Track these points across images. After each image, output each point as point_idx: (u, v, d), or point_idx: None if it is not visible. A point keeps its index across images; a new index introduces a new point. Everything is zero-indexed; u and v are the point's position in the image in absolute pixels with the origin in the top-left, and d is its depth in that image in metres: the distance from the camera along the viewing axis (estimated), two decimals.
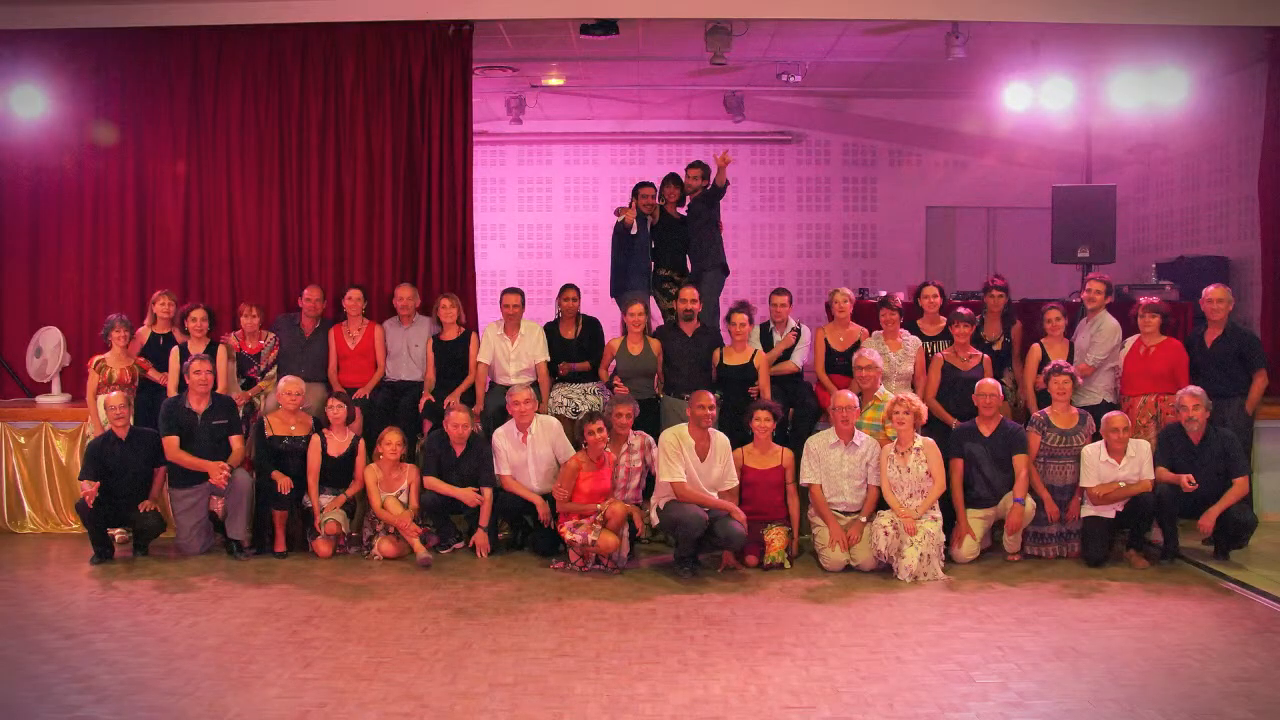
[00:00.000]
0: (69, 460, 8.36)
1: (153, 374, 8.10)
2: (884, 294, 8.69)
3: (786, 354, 8.27)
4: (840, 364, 8.21)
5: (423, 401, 8.13)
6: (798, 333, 8.33)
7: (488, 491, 7.54)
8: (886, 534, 6.97)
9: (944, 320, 8.35)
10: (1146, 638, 5.72)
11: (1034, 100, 10.01)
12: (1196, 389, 7.32)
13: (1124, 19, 8.76)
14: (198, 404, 7.55)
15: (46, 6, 8.66)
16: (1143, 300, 8.12)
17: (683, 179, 9.19)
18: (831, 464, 7.28)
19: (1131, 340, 8.06)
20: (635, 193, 9.11)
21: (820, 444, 7.34)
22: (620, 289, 8.91)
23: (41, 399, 8.83)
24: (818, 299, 12.76)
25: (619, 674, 5.16)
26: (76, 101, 8.98)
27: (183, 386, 7.70)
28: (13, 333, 9.14)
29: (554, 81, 11.83)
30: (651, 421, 7.84)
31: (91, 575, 7.10)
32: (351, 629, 5.87)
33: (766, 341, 8.33)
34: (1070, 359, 7.92)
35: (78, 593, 6.69)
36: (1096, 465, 7.26)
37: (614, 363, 8.19)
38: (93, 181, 9.05)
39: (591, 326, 8.47)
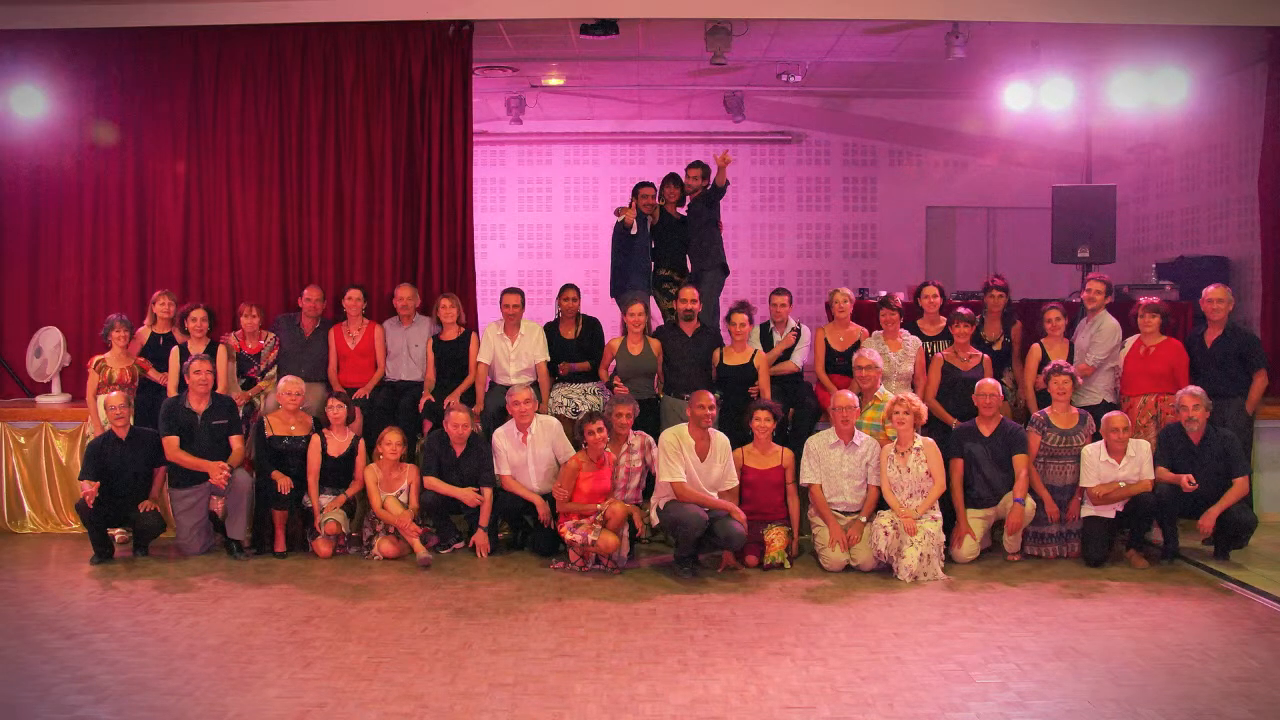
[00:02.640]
0: (69, 460, 8.36)
1: (153, 374, 8.10)
2: (884, 294, 8.69)
3: (786, 354, 8.26)
4: (840, 364, 8.21)
5: (423, 401, 8.13)
6: (798, 333, 8.32)
7: (487, 491, 7.53)
8: (886, 534, 6.97)
9: (944, 320, 8.35)
10: (1146, 638, 5.72)
11: (1034, 100, 10.00)
12: (1196, 389, 7.32)
13: (1124, 19, 8.75)
14: (198, 404, 7.54)
15: (46, 6, 8.66)
16: (1143, 300, 8.12)
17: (683, 179, 9.19)
18: (831, 464, 7.28)
19: (1131, 340, 8.06)
20: (635, 193, 9.11)
21: (820, 444, 7.34)
22: (620, 289, 8.90)
23: (41, 399, 8.83)
24: (818, 299, 12.76)
25: (619, 674, 5.16)
26: (76, 101, 8.98)
27: (183, 386, 7.69)
28: (13, 333, 9.13)
29: (554, 81, 11.82)
30: (651, 422, 7.84)
31: (91, 575, 7.10)
32: (351, 629, 5.87)
33: (766, 341, 8.33)
34: (1070, 359, 7.92)
35: (78, 593, 6.69)
36: (1096, 465, 7.26)
37: (614, 363, 8.19)
38: (93, 181, 9.05)
39: (591, 326, 8.47)
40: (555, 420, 7.80)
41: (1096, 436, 7.41)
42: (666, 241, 9.12)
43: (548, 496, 7.48)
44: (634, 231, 8.87)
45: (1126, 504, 7.21)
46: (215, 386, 7.69)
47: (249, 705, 4.77)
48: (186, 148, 9.01)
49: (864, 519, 7.16)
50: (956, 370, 7.98)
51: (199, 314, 8.02)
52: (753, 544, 7.19)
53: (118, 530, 7.65)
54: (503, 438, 7.60)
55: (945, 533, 7.11)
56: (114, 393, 7.67)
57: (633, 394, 7.75)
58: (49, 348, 8.80)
